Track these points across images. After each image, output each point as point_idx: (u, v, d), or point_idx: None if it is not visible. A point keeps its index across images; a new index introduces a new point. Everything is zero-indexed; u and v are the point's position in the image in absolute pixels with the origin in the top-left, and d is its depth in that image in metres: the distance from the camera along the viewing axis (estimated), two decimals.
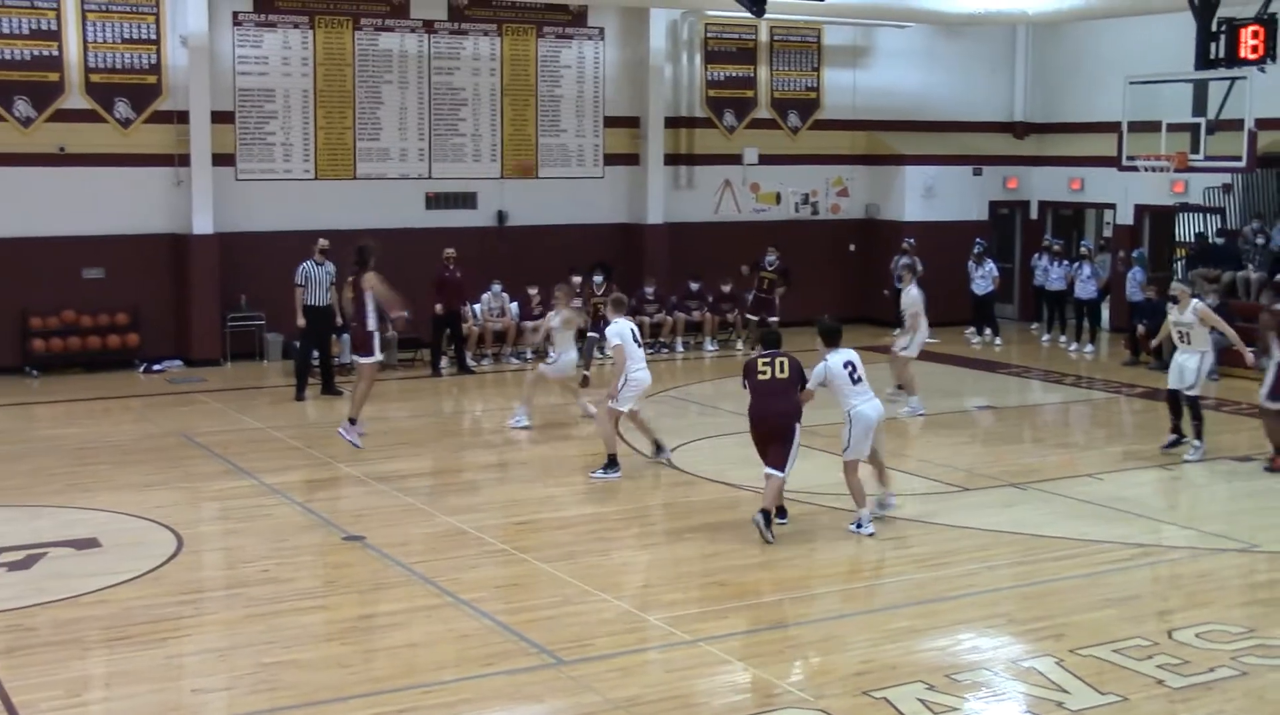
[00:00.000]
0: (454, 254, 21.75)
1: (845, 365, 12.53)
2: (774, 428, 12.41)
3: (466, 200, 24.06)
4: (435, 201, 23.80)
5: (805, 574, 11.52)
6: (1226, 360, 17.96)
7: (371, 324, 15.38)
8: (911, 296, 18.27)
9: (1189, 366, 15.53)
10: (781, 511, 12.77)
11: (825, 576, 11.51)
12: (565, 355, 17.13)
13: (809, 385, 12.50)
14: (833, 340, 12.71)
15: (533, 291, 22.66)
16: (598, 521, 13.14)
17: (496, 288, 22.37)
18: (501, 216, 24.22)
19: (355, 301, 15.66)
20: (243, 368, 21.85)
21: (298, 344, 19.92)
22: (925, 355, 23.31)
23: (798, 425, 12.37)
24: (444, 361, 21.76)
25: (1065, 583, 11.19)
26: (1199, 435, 15.69)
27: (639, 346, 14.90)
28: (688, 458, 15.64)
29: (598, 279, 21.69)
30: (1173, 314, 15.84)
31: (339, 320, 19.11)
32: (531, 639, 9.64)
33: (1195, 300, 15.78)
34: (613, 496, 14.12)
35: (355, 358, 16.11)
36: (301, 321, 19.31)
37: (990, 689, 8.86)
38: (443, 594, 10.68)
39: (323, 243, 19.90)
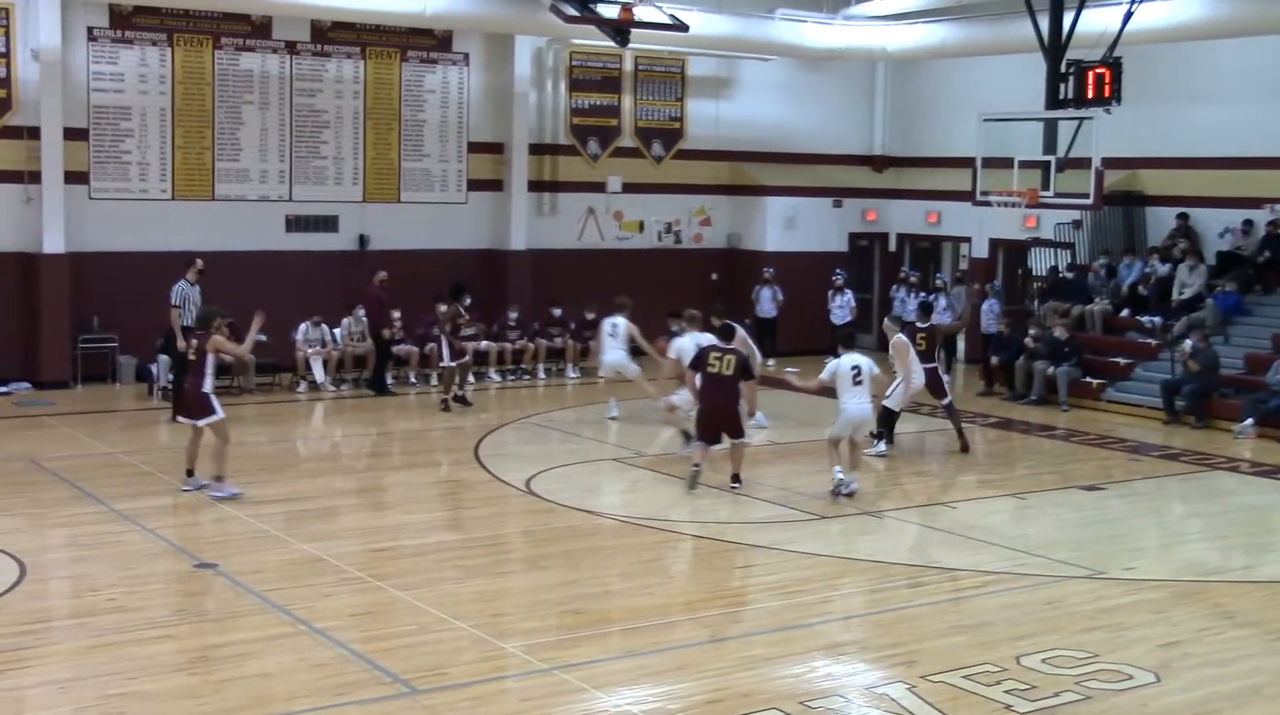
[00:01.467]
0: (385, 277, 22.22)
1: (852, 367, 14.99)
2: (721, 414, 15.19)
3: (328, 223, 23.81)
4: (296, 224, 23.51)
5: (662, 602, 11.55)
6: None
7: (208, 386, 14.45)
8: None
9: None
10: (735, 478, 15.31)
11: (681, 604, 11.53)
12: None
13: (822, 376, 15.35)
14: (848, 345, 15.67)
15: (395, 315, 22.46)
16: (456, 549, 13.05)
17: (359, 312, 22.12)
18: (363, 240, 24.01)
19: (195, 362, 14.59)
20: (94, 391, 21.34)
21: (167, 365, 19.94)
22: (782, 383, 23.64)
23: (738, 408, 15.19)
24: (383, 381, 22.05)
25: (918, 609, 11.36)
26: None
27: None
28: (547, 485, 15.61)
29: (468, 302, 21.25)
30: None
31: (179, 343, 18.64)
32: (386, 668, 9.53)
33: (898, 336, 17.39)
34: (471, 524, 14.07)
35: (194, 422, 14.69)
36: (182, 344, 18.70)
37: None
38: (296, 622, 10.52)
39: (199, 263, 19.68)
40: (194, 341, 14.79)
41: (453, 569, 12.33)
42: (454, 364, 20.48)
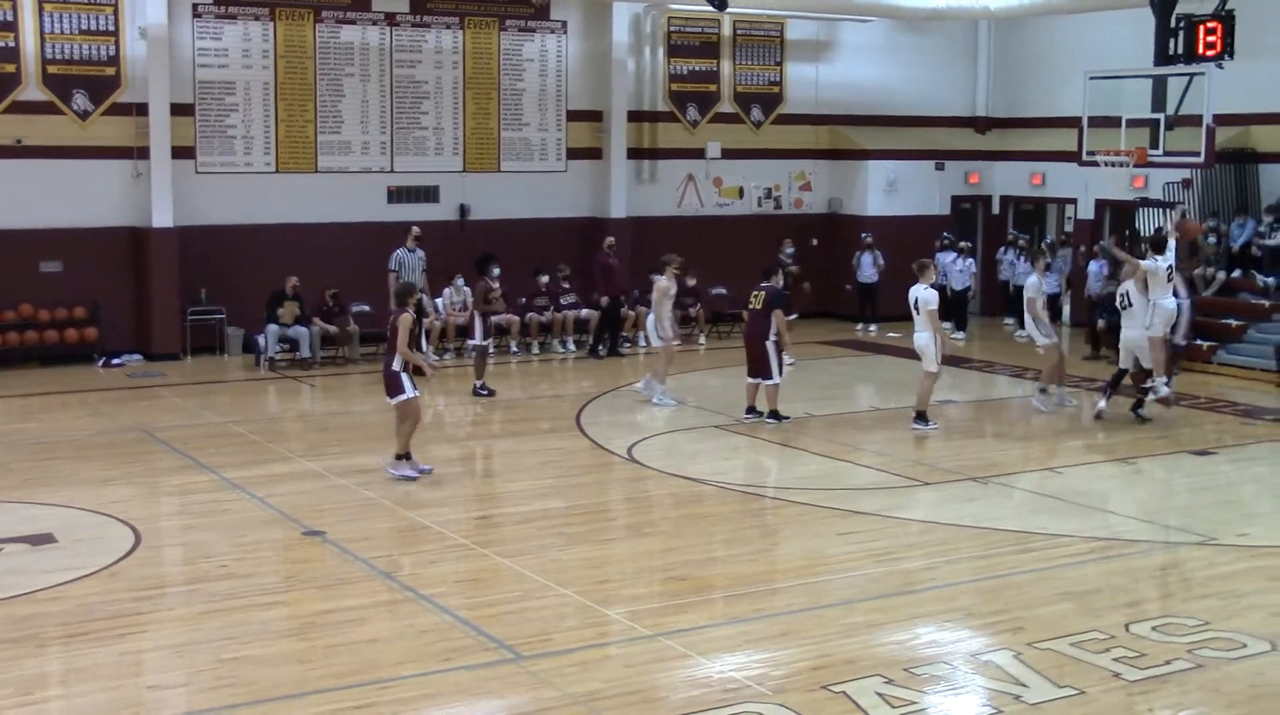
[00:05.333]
0: (613, 242, 22.65)
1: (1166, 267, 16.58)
2: (749, 346, 17.08)
3: (428, 194, 23.97)
4: (397, 195, 23.70)
5: (765, 569, 11.53)
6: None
7: (398, 364, 14.05)
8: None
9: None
10: (774, 414, 16.86)
11: (784, 571, 11.52)
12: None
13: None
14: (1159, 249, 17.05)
15: (495, 285, 22.56)
16: (559, 516, 13.13)
17: (460, 282, 22.26)
18: (464, 210, 24.16)
19: (390, 338, 14.25)
20: (203, 362, 21.73)
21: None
22: (890, 349, 23.48)
23: (767, 343, 16.71)
24: (601, 348, 22.54)
25: (1023, 576, 11.24)
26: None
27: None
28: (649, 452, 15.64)
29: (495, 272, 19.89)
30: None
31: (427, 309, 19.79)
32: (491, 634, 9.62)
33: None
34: (574, 492, 14.12)
35: (389, 399, 14.38)
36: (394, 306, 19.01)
37: (949, 682, 8.88)
38: (403, 589, 10.65)
39: (416, 230, 20.82)
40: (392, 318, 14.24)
41: (556, 536, 12.41)
42: (485, 343, 19.39)
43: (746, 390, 17.36)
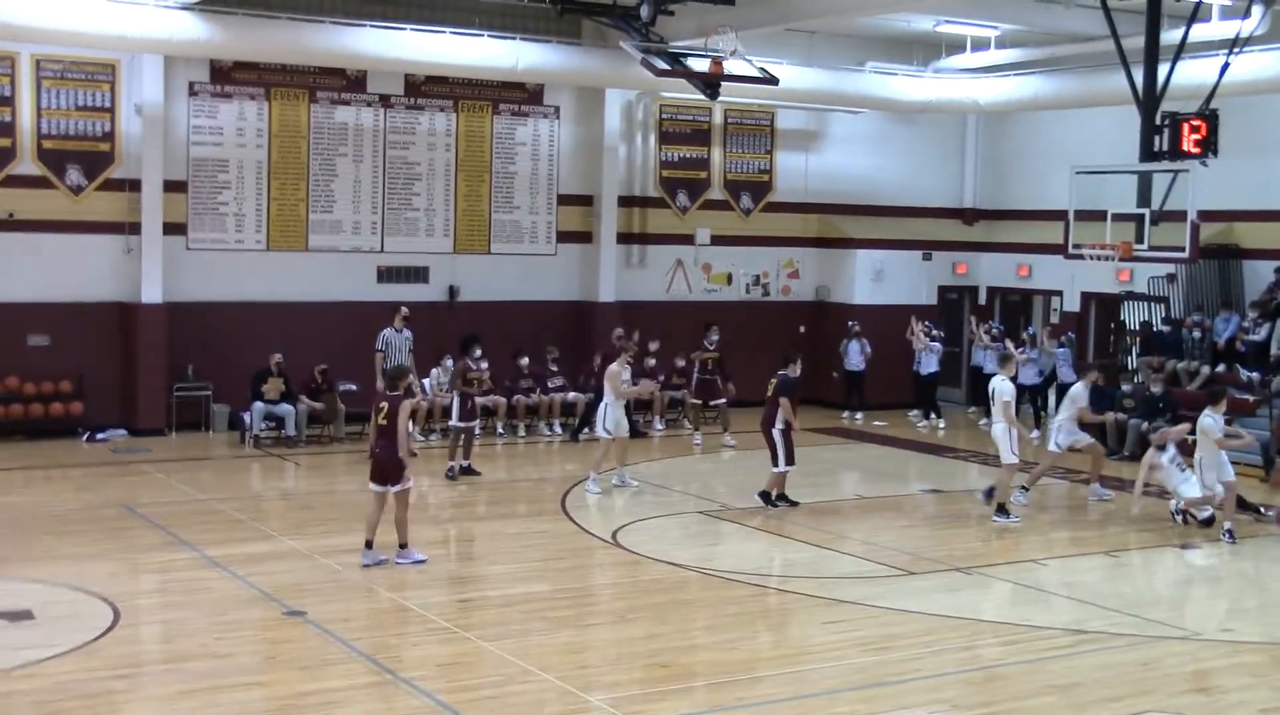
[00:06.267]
0: (622, 333, 22.29)
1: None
2: (763, 432, 17.24)
3: (418, 274, 24.07)
4: (387, 275, 23.79)
5: (748, 656, 11.46)
6: None
7: (403, 451, 13.78)
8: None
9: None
10: (783, 498, 17.16)
11: (768, 660, 11.46)
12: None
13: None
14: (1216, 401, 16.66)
15: (484, 366, 22.61)
16: (543, 600, 13.05)
17: (448, 362, 22.20)
18: (453, 291, 24.23)
19: (387, 426, 13.89)
20: (188, 438, 21.67)
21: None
22: (875, 437, 23.49)
23: (774, 430, 16.94)
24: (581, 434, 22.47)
25: (1008, 668, 11.18)
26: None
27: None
28: (635, 537, 15.59)
29: (477, 353, 20.02)
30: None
31: (414, 390, 18.90)
32: None
33: None
34: (559, 576, 14.05)
35: (387, 488, 13.95)
36: (380, 386, 19.02)
37: None
38: (383, 671, 10.56)
39: (404, 310, 20.97)
40: (384, 405, 13.93)
41: (540, 620, 12.34)
42: (461, 425, 19.10)
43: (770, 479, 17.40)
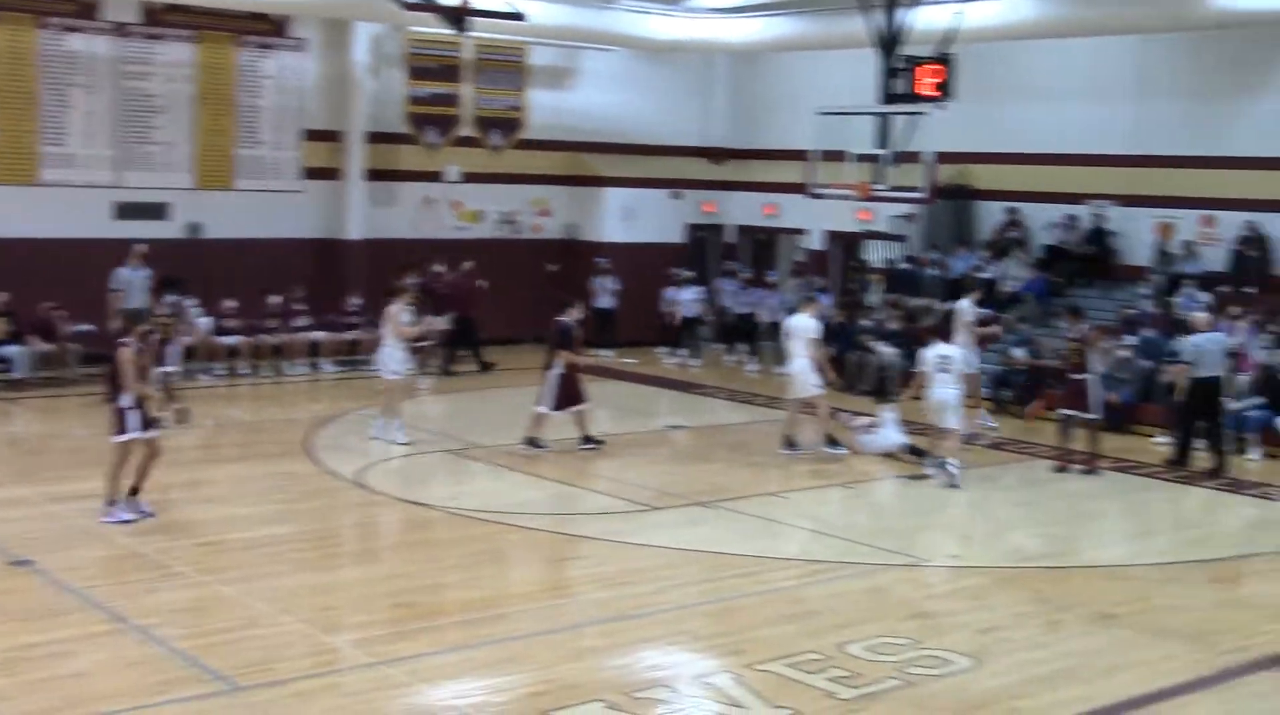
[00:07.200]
0: (474, 267, 23.57)
1: (941, 356, 16.13)
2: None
3: (158, 211, 23.25)
4: (124, 211, 22.91)
5: (493, 594, 11.50)
6: None
7: (127, 401, 13.04)
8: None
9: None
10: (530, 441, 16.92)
11: (511, 597, 11.51)
12: None
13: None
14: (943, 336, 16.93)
15: (230, 305, 22.11)
16: (286, 542, 12.86)
17: (170, 298, 21.40)
18: (195, 228, 23.52)
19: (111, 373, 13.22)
20: None
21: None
22: (626, 375, 23.75)
23: (550, 373, 16.94)
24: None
25: (746, 599, 11.48)
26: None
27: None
28: (380, 478, 15.47)
29: (170, 298, 19.53)
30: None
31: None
32: (208, 665, 9.35)
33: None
34: (301, 517, 13.86)
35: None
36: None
37: (669, 705, 9.00)
38: (116, 620, 10.27)
39: (140, 248, 19.99)
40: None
41: (282, 563, 12.16)
42: (166, 370, 17.76)
43: (573, 420, 17.31)
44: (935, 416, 16.28)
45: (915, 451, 16.97)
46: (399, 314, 17.75)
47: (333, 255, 24.75)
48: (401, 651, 9.83)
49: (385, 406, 17.70)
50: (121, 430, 13.09)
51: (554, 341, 17.17)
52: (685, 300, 25.72)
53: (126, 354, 13.06)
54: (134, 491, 13.31)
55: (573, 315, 17.41)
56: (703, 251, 29.01)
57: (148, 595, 11.05)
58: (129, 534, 12.69)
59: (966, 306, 19.49)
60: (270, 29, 24.17)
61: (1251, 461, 17.96)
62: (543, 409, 17.04)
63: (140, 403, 13.08)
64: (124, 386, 13.03)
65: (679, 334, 25.85)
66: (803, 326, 17.29)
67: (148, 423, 13.17)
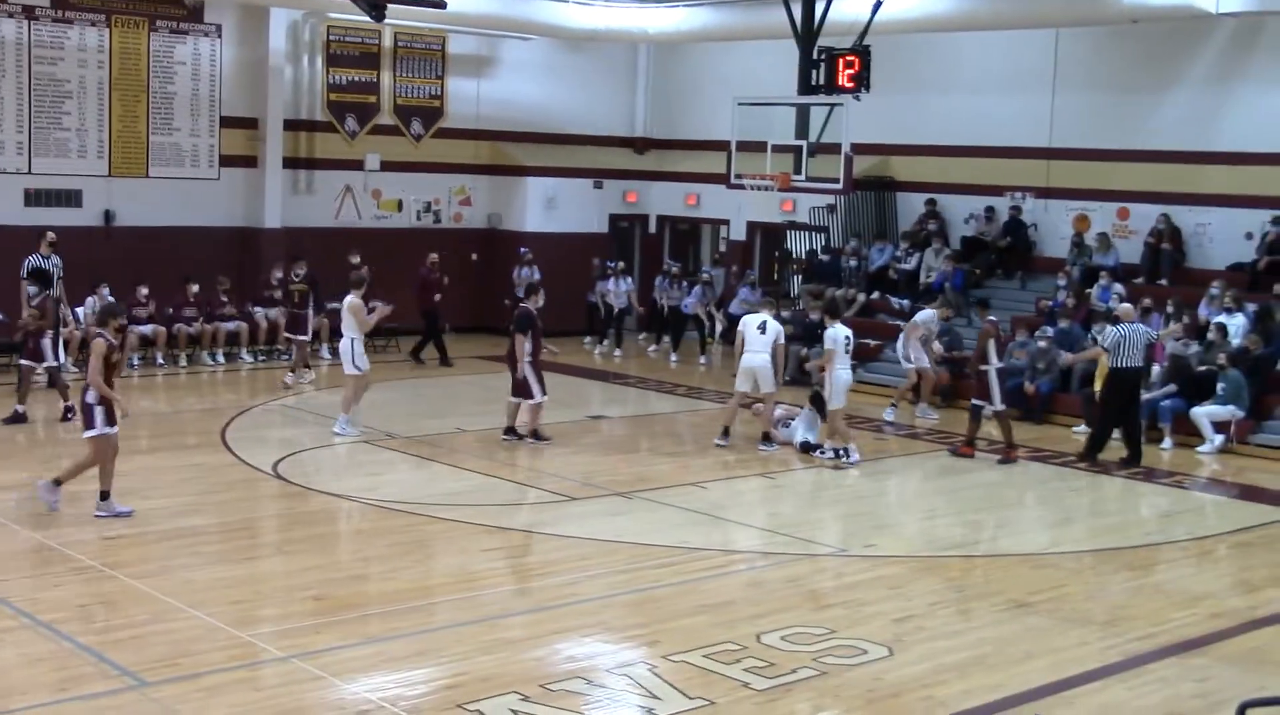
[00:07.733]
0: (437, 259, 23.72)
1: (845, 337, 16.50)
2: (509, 367, 17.13)
3: (71, 198, 22.87)
4: (35, 198, 22.50)
5: (408, 586, 11.39)
6: None
7: (92, 396, 12.67)
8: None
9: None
10: (535, 434, 16.87)
11: (427, 589, 11.41)
12: None
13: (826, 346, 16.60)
14: (835, 313, 17.19)
15: (143, 292, 21.79)
16: (197, 535, 12.67)
17: (105, 291, 21.19)
18: (109, 216, 23.15)
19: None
20: None
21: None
22: (547, 365, 23.62)
23: (523, 363, 16.77)
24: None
25: (664, 590, 11.44)
26: None
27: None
28: (296, 469, 15.29)
29: (32, 292, 18.10)
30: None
31: (65, 318, 18.67)
32: (113, 660, 9.18)
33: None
34: (215, 509, 13.65)
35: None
36: (24, 317, 17.85)
37: (584, 697, 8.95)
38: (18, 615, 10.05)
39: (50, 235, 19.66)
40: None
41: (192, 556, 11.98)
42: (24, 363, 17.65)
43: (506, 409, 17.17)
44: (837, 397, 16.46)
45: (808, 448, 17.02)
46: (359, 306, 17.19)
47: (250, 243, 24.46)
48: (316, 645, 9.70)
49: (344, 400, 17.33)
50: (90, 425, 12.85)
51: (517, 328, 16.95)
52: (616, 291, 25.61)
53: (100, 347, 12.77)
54: (58, 482, 13.10)
55: (535, 302, 17.26)
56: (625, 241, 28.96)
57: (53, 589, 10.85)
58: (36, 527, 12.45)
59: (931, 317, 19.67)
60: (184, 14, 23.82)
61: (1164, 451, 18.17)
62: (537, 399, 16.87)
63: (104, 399, 12.78)
64: (90, 381, 12.74)
65: (604, 325, 25.77)
66: (773, 327, 17.22)
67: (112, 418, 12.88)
